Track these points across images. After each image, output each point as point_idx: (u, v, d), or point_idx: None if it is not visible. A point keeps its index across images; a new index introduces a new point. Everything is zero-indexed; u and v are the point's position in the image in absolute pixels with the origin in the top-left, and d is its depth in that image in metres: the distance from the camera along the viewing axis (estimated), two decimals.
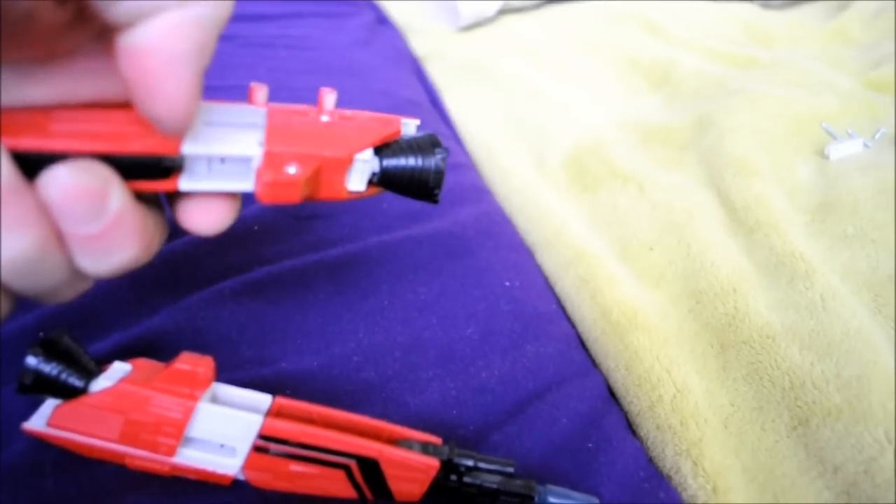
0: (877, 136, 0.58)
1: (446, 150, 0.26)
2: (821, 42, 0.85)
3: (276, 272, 0.40)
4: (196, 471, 0.26)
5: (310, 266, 0.41)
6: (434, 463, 0.27)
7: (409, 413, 0.33)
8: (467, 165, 0.60)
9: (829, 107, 0.62)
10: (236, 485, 0.27)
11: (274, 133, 0.24)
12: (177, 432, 0.26)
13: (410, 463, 0.27)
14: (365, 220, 0.48)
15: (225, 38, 0.73)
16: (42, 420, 0.26)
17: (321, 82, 0.68)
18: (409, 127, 0.27)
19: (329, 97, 0.26)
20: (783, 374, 0.38)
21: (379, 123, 0.26)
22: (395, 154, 0.26)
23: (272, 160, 0.24)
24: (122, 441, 0.26)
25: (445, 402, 0.34)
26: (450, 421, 0.33)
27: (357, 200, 0.49)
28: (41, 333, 0.33)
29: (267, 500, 0.27)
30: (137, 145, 0.22)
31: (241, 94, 0.63)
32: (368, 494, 0.27)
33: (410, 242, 0.45)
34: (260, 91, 0.26)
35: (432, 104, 0.74)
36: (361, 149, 0.25)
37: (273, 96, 0.64)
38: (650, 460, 0.36)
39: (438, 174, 0.26)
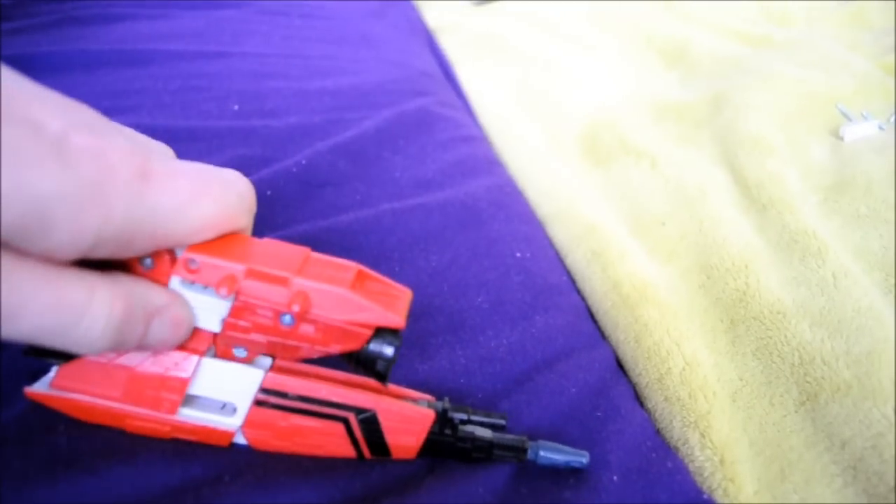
0: (892, 119, 0.58)
1: (398, 343, 0.26)
2: (837, 24, 0.85)
3: (286, 237, 0.40)
4: (196, 429, 0.26)
5: (320, 232, 0.41)
6: (429, 413, 0.27)
7: (418, 379, 0.33)
8: (480, 138, 0.60)
9: (845, 88, 0.62)
10: (236, 448, 0.27)
11: (229, 327, 0.25)
12: (181, 386, 0.26)
13: (407, 413, 0.27)
14: (376, 187, 0.48)
15: (240, 6, 0.74)
16: (45, 385, 0.26)
17: (335, 51, 0.68)
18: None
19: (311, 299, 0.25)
20: (793, 349, 0.38)
21: (342, 336, 0.25)
22: None
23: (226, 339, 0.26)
24: (125, 399, 0.26)
25: (454, 369, 0.35)
26: (458, 388, 0.34)
27: (369, 169, 0.49)
28: None
29: (267, 465, 0.27)
30: None
31: (253, 61, 0.63)
32: (366, 451, 0.27)
33: (422, 211, 0.45)
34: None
35: (445, 76, 0.74)
36: (308, 357, 0.26)
37: (286, 63, 0.63)
38: (657, 432, 0.36)
39: (387, 362, 0.26)
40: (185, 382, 0.26)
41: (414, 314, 0.31)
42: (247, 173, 0.45)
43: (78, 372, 0.26)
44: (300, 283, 0.24)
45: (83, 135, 0.21)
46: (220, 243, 0.25)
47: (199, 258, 0.24)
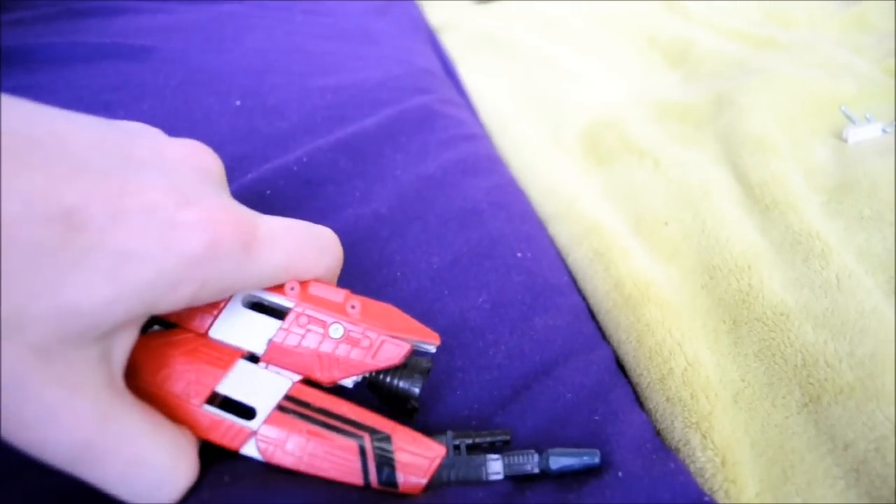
0: (895, 121, 0.58)
1: (426, 377, 0.29)
2: (839, 27, 0.84)
3: None
4: (213, 426, 0.26)
5: None
6: (441, 448, 0.28)
7: None
8: (481, 136, 0.60)
9: (848, 90, 0.62)
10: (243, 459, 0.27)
11: (275, 349, 0.28)
12: (216, 376, 0.26)
13: (422, 444, 0.27)
14: (376, 185, 0.47)
15: (241, 1, 0.73)
16: None
17: (338, 48, 0.68)
18: (429, 347, 0.30)
19: (352, 309, 0.28)
20: (796, 351, 0.37)
21: (385, 351, 0.28)
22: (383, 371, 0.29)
23: (269, 360, 0.28)
24: (159, 381, 0.26)
25: (452, 381, 0.34)
26: (453, 402, 0.33)
27: (370, 166, 0.49)
28: None
29: (266, 470, 0.27)
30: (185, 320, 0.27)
31: (255, 57, 0.62)
32: (374, 480, 0.27)
33: (423, 210, 0.45)
34: (290, 286, 0.28)
35: (447, 74, 0.74)
36: (346, 377, 0.28)
37: (288, 59, 0.63)
38: (657, 433, 0.36)
39: (416, 400, 0.29)
40: (221, 374, 0.26)
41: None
42: (247, 171, 0.45)
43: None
44: (353, 299, 0.28)
45: (191, 210, 0.22)
46: None
47: None
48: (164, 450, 0.23)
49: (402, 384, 0.29)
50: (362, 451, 0.27)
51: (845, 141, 0.56)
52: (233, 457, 0.27)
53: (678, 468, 0.32)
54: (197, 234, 0.21)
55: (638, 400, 0.38)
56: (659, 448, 0.33)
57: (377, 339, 0.28)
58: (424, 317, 0.36)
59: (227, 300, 0.27)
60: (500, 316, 0.38)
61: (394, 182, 0.48)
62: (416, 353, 0.29)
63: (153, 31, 0.65)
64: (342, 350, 0.28)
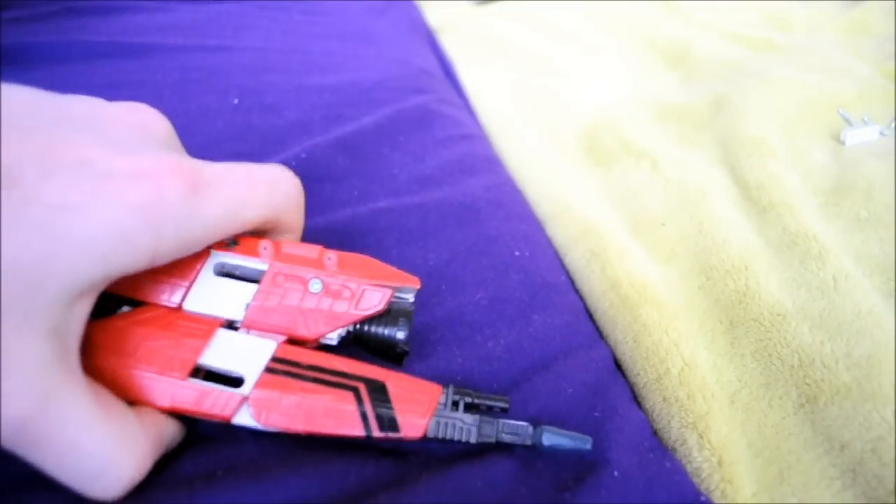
0: (892, 124, 0.58)
1: (410, 321, 0.29)
2: (838, 31, 0.84)
3: None
4: (200, 397, 0.25)
5: (318, 228, 0.41)
6: (437, 387, 0.28)
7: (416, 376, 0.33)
8: (479, 136, 0.60)
9: (847, 92, 0.62)
10: (234, 437, 0.27)
11: (254, 312, 0.27)
12: (197, 348, 0.26)
13: (415, 385, 0.28)
14: (374, 184, 0.47)
15: (239, 0, 0.73)
16: None
17: (335, 47, 0.68)
18: (407, 290, 0.30)
19: (329, 261, 0.29)
20: (792, 352, 0.37)
21: (367, 298, 0.29)
22: (367, 320, 0.29)
23: (250, 324, 0.28)
24: (137, 359, 0.25)
25: (451, 368, 0.34)
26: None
27: (368, 165, 0.49)
28: None
29: (260, 461, 0.27)
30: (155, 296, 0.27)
31: (253, 56, 0.62)
32: (375, 426, 0.26)
33: (420, 209, 0.45)
34: (263, 247, 0.28)
35: (446, 75, 0.74)
36: (331, 331, 0.28)
37: (287, 58, 0.63)
38: (654, 433, 0.36)
39: (405, 343, 0.29)
40: (201, 344, 0.26)
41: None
42: None
43: (91, 334, 0.25)
44: (328, 252, 0.29)
45: (127, 160, 0.21)
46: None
47: (239, 239, 0.28)
48: (108, 439, 0.22)
49: (387, 331, 0.29)
50: (359, 400, 0.26)
51: (843, 143, 0.56)
52: (218, 449, 0.27)
53: (675, 468, 0.32)
54: (137, 182, 0.21)
55: (635, 400, 0.38)
56: (656, 447, 0.33)
57: (357, 288, 0.28)
58: (421, 310, 0.36)
59: (198, 271, 0.27)
60: (497, 312, 0.38)
61: (391, 181, 0.48)
62: (396, 299, 0.30)
63: (151, 30, 0.65)
64: (324, 304, 0.28)
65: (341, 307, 0.28)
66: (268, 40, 0.67)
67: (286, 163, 0.45)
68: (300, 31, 0.71)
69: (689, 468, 0.34)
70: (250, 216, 0.26)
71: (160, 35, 0.64)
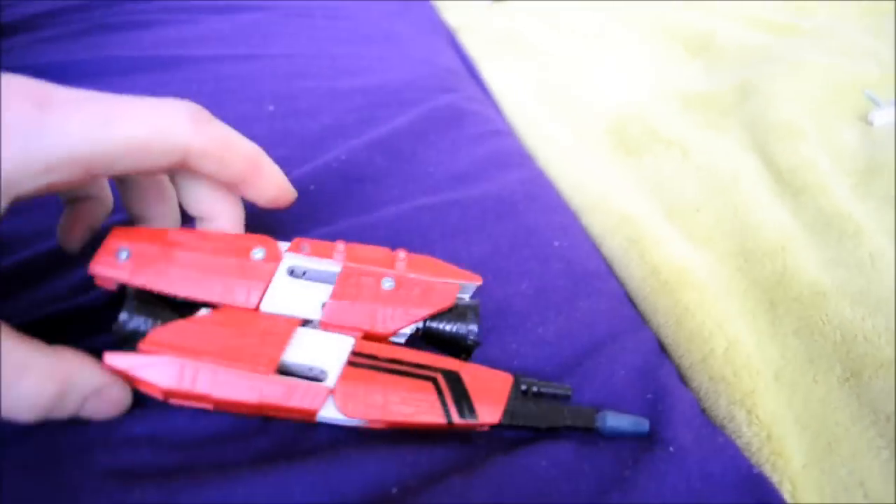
0: None
1: (478, 315, 0.31)
2: (860, 13, 0.85)
3: (332, 233, 0.41)
4: (286, 394, 0.26)
5: (364, 227, 0.42)
6: (508, 376, 0.30)
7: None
8: (508, 132, 0.61)
9: (871, 74, 0.62)
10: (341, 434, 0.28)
11: (331, 311, 0.29)
12: (281, 341, 0.27)
13: (488, 375, 0.29)
14: (411, 183, 0.48)
15: (265, 9, 0.75)
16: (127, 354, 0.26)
17: (361, 50, 0.69)
18: (468, 288, 0.32)
19: (400, 261, 0.31)
20: (834, 328, 0.38)
21: (437, 294, 0.30)
22: (437, 318, 0.30)
23: (327, 323, 0.29)
24: (221, 355, 0.26)
25: (506, 354, 0.35)
26: (511, 371, 0.34)
27: (404, 164, 0.50)
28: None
29: (336, 444, 0.28)
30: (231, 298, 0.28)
31: (282, 62, 0.64)
32: (455, 414, 0.27)
33: (460, 204, 0.46)
34: (337, 250, 0.30)
35: (469, 73, 0.75)
36: (406, 326, 0.29)
37: (315, 64, 0.64)
38: (703, 411, 0.37)
39: (474, 341, 0.30)
40: (284, 341, 0.27)
41: None
42: (288, 171, 0.46)
43: (170, 334, 0.26)
44: (396, 251, 0.31)
45: None
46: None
47: (310, 244, 0.30)
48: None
49: (458, 326, 0.30)
50: (438, 390, 0.28)
51: (871, 124, 0.56)
52: (296, 437, 0.28)
53: (727, 443, 0.33)
54: None
55: (681, 381, 0.38)
56: (707, 424, 0.34)
57: (427, 285, 0.30)
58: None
59: (272, 272, 0.29)
60: (544, 300, 0.39)
61: (428, 178, 0.49)
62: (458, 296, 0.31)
63: (181, 43, 0.67)
64: (396, 300, 0.29)
65: (413, 303, 0.29)
66: (295, 47, 0.68)
67: (327, 165, 0.47)
68: (325, 36, 0.72)
69: (739, 443, 0.35)
70: (127, 132, 0.25)
71: (191, 47, 0.65)
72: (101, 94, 0.25)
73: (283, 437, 0.28)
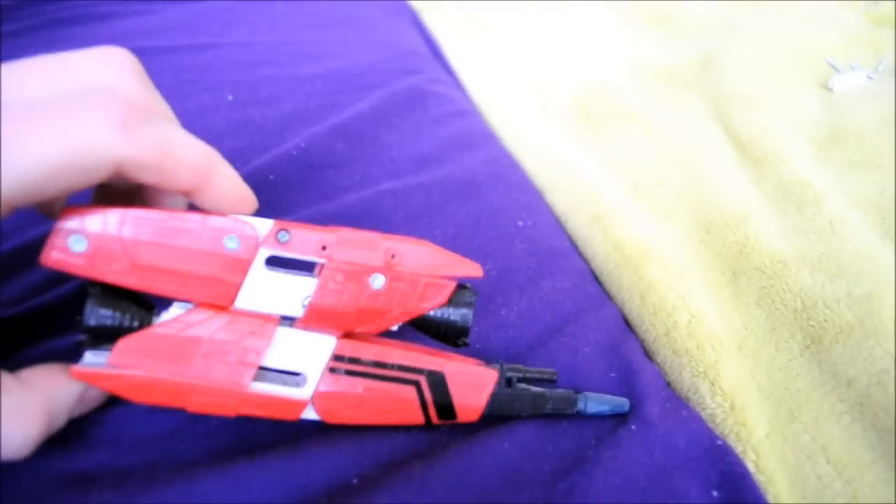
0: (879, 67, 0.59)
1: (472, 303, 0.29)
2: None
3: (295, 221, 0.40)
4: (265, 402, 0.26)
5: (326, 215, 0.42)
6: (493, 373, 0.29)
7: (434, 347, 0.34)
8: (472, 112, 0.60)
9: (833, 41, 0.63)
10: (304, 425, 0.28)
11: (314, 311, 0.26)
12: (258, 354, 0.25)
13: (473, 373, 0.29)
14: (374, 167, 0.48)
15: None
16: (96, 363, 0.25)
17: (323, 35, 0.68)
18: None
19: (391, 252, 0.27)
20: (795, 296, 0.39)
21: (430, 293, 0.28)
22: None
23: (308, 322, 0.27)
24: (197, 371, 0.25)
25: (470, 337, 0.35)
26: (475, 356, 0.34)
27: (367, 149, 0.50)
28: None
29: (295, 434, 0.28)
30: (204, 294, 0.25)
31: (242, 50, 0.63)
32: (434, 416, 0.28)
33: (423, 188, 0.46)
34: (323, 238, 0.27)
35: (433, 54, 0.74)
36: (395, 325, 0.28)
37: (276, 50, 0.63)
38: (667, 384, 0.37)
39: (465, 327, 0.28)
40: (262, 347, 0.25)
41: None
42: (247, 161, 0.46)
43: (139, 346, 0.24)
44: (387, 243, 0.27)
45: None
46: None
47: (292, 230, 0.26)
48: None
49: (451, 320, 0.28)
50: (420, 393, 0.28)
51: (831, 90, 0.57)
52: (255, 428, 0.28)
53: (691, 415, 0.33)
54: None
55: (646, 354, 0.39)
56: (671, 398, 0.34)
57: (421, 282, 0.27)
58: None
59: (247, 267, 0.25)
60: (507, 281, 0.39)
61: (391, 162, 0.49)
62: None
63: (140, 34, 0.65)
64: (386, 300, 0.27)
65: (403, 303, 0.27)
66: (255, 34, 0.67)
67: (287, 153, 0.46)
68: (286, 22, 0.71)
69: (703, 415, 0.35)
70: (32, 160, 0.21)
71: (150, 38, 0.64)
72: (2, 106, 0.22)
73: (245, 432, 0.28)
